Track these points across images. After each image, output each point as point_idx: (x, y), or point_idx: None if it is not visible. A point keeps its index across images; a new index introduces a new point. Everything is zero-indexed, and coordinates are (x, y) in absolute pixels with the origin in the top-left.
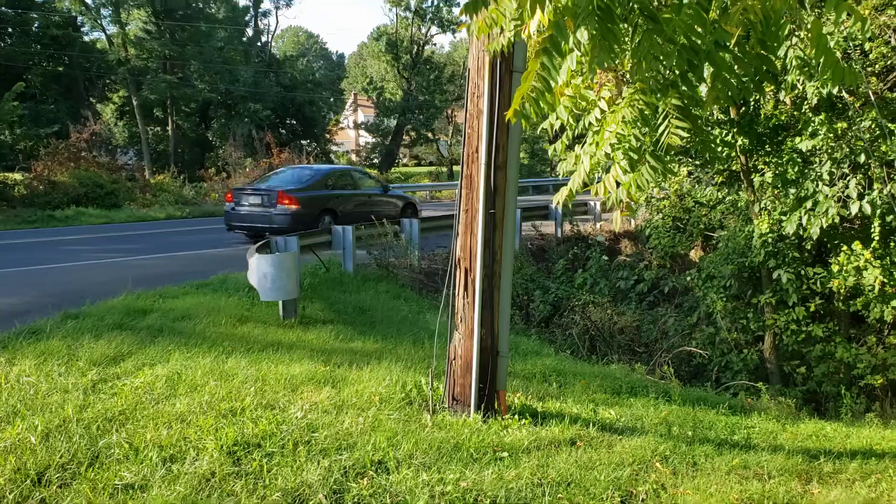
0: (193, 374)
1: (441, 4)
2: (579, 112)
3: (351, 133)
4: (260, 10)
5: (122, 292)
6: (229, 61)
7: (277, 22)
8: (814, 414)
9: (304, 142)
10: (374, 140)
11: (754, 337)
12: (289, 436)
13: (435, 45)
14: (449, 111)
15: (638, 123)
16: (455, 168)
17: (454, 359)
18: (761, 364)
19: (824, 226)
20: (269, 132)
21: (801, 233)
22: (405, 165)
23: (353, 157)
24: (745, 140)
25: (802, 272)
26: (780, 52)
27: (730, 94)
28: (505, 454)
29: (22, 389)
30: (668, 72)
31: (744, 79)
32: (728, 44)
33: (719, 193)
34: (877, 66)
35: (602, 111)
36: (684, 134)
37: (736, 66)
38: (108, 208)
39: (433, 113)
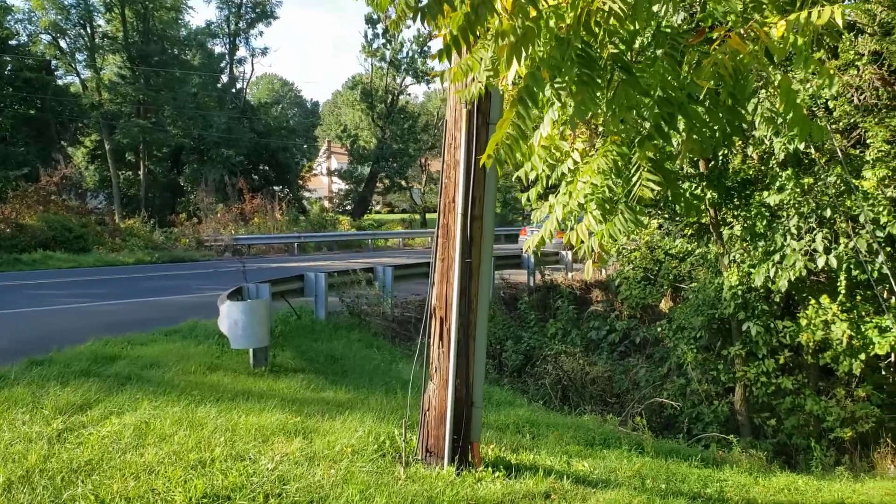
0: (162, 423)
1: (416, 56)
2: (553, 162)
3: (324, 179)
4: (236, 57)
5: (89, 338)
6: (203, 107)
7: (253, 69)
8: (785, 467)
9: (276, 188)
10: (346, 187)
11: (724, 388)
12: (259, 488)
13: (409, 94)
14: (422, 160)
15: (612, 174)
16: (428, 216)
17: (428, 409)
18: (732, 416)
19: (792, 279)
20: (241, 178)
21: (769, 285)
22: (378, 212)
23: (326, 204)
24: (714, 193)
25: (772, 325)
26: (750, 108)
27: (703, 146)
28: None
29: None
30: (643, 123)
31: (716, 132)
32: (700, 97)
33: (689, 246)
34: (841, 123)
35: (575, 162)
36: (655, 186)
37: (708, 120)
38: (76, 252)
39: (407, 161)
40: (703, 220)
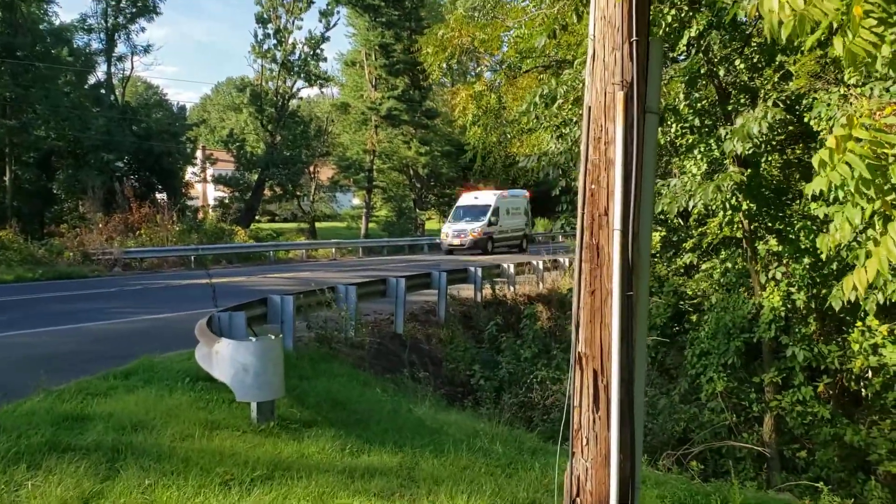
0: None
1: (308, 59)
2: (874, 162)
3: (200, 187)
4: (114, 54)
5: (12, 384)
6: (79, 107)
7: (133, 67)
8: None
9: (160, 195)
10: (227, 194)
11: (748, 418)
12: None
13: (301, 98)
14: (311, 167)
15: None
16: (318, 225)
17: (578, 495)
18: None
19: (882, 300)
20: (127, 185)
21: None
22: (258, 221)
23: (211, 213)
24: (751, 205)
25: (816, 350)
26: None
27: None
28: None
29: None
30: None
31: None
32: None
33: (699, 261)
34: None
35: None
36: None
37: None
38: None
39: (299, 168)
40: (737, 234)
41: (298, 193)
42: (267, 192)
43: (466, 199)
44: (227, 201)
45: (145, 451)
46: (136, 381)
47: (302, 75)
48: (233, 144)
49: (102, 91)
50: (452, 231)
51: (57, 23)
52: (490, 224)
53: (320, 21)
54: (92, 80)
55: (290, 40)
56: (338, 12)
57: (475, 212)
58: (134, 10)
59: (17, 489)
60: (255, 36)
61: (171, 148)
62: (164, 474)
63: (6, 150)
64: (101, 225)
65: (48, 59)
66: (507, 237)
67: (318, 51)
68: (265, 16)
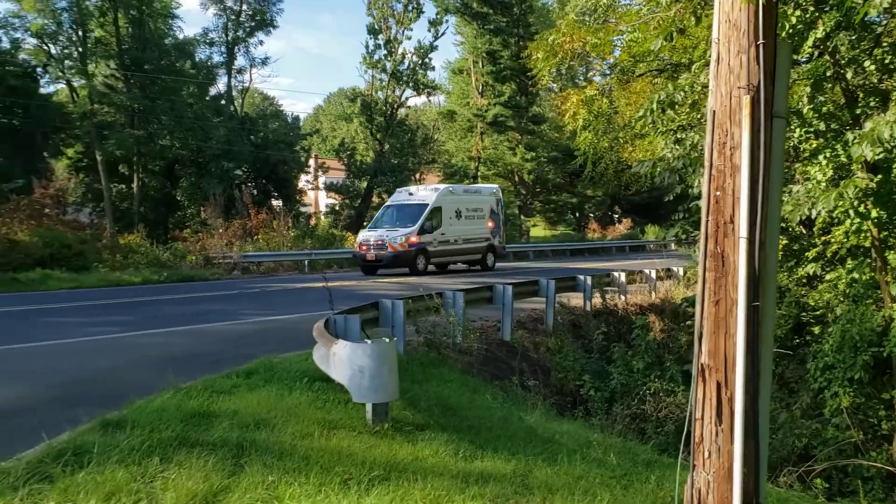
0: None
1: (417, 68)
2: None
3: (312, 194)
4: (234, 67)
5: (138, 379)
6: (200, 117)
7: (251, 79)
8: None
9: (276, 202)
10: (337, 201)
11: (875, 436)
12: None
13: (409, 106)
14: (418, 175)
15: None
16: None
17: None
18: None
19: None
20: (246, 192)
21: None
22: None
23: (323, 219)
24: (881, 212)
25: None
26: None
27: None
28: None
29: None
30: None
31: None
32: None
33: (822, 271)
34: None
35: None
36: None
37: None
38: (76, 271)
39: (406, 176)
40: (865, 243)
41: None
42: (375, 199)
43: (399, 195)
44: (337, 208)
45: (268, 448)
46: (258, 380)
47: (410, 84)
48: (344, 153)
49: (223, 102)
50: (372, 240)
51: (181, 37)
52: (424, 231)
53: (429, 30)
54: (213, 91)
55: (400, 50)
56: (446, 21)
57: (406, 213)
58: (253, 24)
59: (151, 481)
60: (367, 47)
61: (286, 157)
62: (286, 472)
63: (134, 160)
64: (221, 230)
65: (172, 72)
66: (455, 249)
67: (427, 60)
68: (376, 27)
